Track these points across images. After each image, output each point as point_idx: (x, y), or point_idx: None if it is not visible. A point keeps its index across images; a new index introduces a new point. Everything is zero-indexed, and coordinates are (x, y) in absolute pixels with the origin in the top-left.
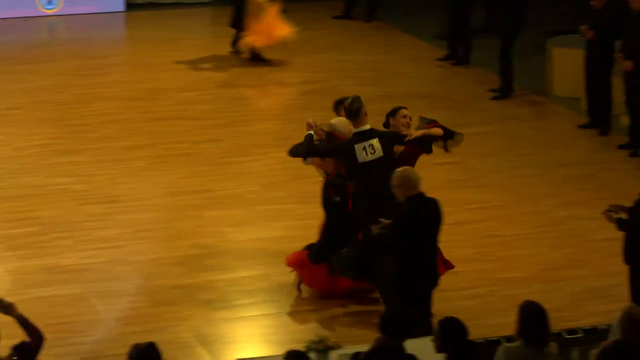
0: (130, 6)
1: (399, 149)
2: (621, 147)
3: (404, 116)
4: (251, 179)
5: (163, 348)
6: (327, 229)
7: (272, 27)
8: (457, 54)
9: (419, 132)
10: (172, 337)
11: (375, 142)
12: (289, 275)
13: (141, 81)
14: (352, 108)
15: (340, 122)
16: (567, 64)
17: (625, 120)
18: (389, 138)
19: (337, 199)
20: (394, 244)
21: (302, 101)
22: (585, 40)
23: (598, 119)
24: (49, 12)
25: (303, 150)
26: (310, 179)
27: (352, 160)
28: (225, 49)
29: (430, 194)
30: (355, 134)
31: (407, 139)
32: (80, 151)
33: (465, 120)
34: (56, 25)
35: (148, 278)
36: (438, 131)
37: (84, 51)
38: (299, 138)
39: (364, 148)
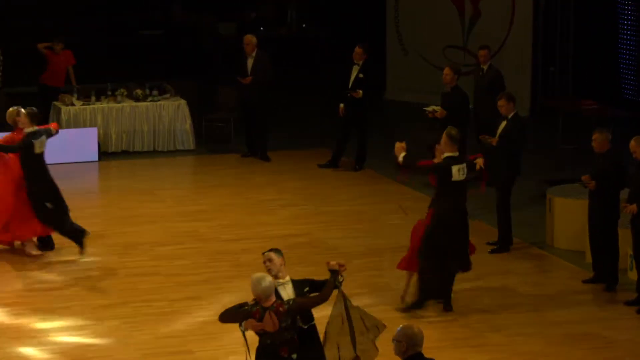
0: (103, 155)
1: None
2: (628, 303)
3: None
4: (232, 340)
5: None
6: None
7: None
8: None
9: (482, 161)
10: None
11: (464, 166)
12: None
13: (114, 235)
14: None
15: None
16: (568, 214)
17: (632, 275)
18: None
19: (294, 355)
20: None
21: (286, 255)
22: (588, 190)
23: (603, 273)
24: None
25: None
26: None
27: None
28: (204, 198)
29: (426, 354)
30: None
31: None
32: (49, 311)
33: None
34: None
35: None
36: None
37: None
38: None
39: (458, 169)
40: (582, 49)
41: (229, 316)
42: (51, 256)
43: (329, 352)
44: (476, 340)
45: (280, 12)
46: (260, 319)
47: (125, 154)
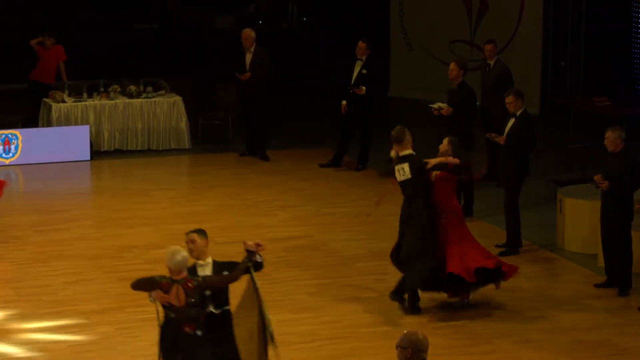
0: (95, 154)
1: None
2: None
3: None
4: None
5: None
6: None
7: None
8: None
9: (436, 160)
10: None
11: (406, 166)
12: None
13: (107, 237)
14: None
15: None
16: (580, 216)
17: None
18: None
19: (199, 332)
20: None
21: (286, 259)
22: (600, 190)
23: (616, 277)
24: (6, 161)
25: None
26: None
27: None
28: (201, 199)
29: None
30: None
31: (427, 167)
32: (40, 316)
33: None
34: (13, 176)
35: None
36: (454, 160)
37: (43, 204)
38: (282, 299)
39: (398, 170)
40: (594, 44)
41: (140, 285)
42: (41, 260)
43: (239, 328)
44: (483, 347)
45: (280, 6)
46: (168, 292)
47: (118, 153)
